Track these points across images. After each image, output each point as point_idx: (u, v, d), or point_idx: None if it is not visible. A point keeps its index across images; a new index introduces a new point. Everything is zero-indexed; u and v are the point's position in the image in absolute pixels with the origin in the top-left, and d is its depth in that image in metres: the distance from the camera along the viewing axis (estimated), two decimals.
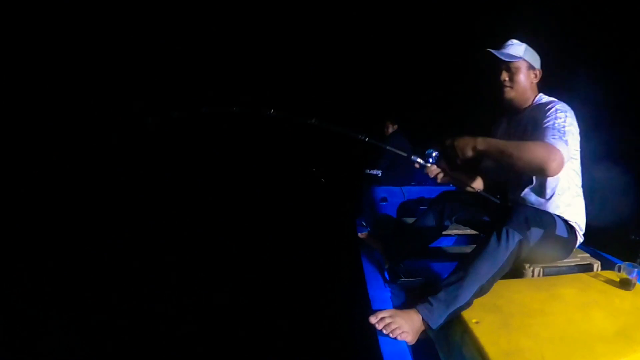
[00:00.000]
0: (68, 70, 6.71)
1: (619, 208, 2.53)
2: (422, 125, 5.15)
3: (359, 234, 2.56)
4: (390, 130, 4.64)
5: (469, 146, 1.60)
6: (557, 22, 3.98)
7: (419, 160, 1.82)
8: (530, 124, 1.72)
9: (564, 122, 1.57)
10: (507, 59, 1.73)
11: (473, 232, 2.52)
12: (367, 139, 1.85)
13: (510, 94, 1.79)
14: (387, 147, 1.89)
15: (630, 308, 1.44)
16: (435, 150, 1.80)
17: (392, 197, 3.73)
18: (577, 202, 1.77)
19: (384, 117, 4.71)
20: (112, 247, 3.83)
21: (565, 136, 1.52)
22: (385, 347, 1.34)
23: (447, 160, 1.75)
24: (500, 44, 1.81)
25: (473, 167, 1.91)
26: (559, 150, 1.46)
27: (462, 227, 2.43)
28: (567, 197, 1.73)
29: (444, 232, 2.16)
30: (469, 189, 1.90)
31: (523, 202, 1.82)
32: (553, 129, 1.54)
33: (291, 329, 2.41)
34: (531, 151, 1.48)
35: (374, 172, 4.35)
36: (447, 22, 6.12)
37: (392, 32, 7.00)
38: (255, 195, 6.05)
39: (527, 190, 1.81)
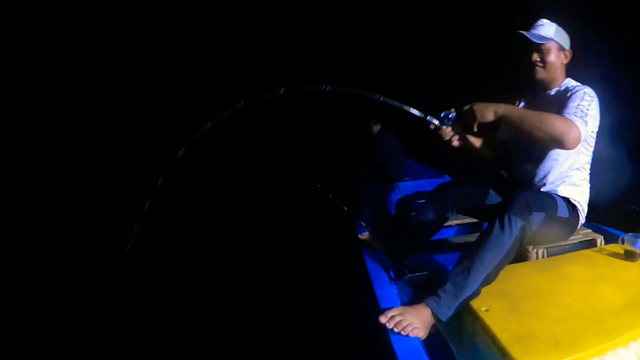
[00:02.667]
0: (68, 71, 6.70)
1: (618, 180, 2.53)
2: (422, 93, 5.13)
3: (359, 235, 2.55)
4: (376, 129, 4.62)
5: (489, 109, 1.61)
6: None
7: (435, 121, 1.81)
8: (558, 104, 1.70)
9: (589, 105, 1.59)
10: (538, 41, 1.71)
11: (473, 220, 2.52)
12: (382, 98, 1.85)
13: (541, 74, 1.78)
14: (405, 108, 1.83)
15: (637, 279, 1.44)
16: (452, 112, 1.79)
17: (389, 195, 3.72)
18: (583, 184, 1.79)
19: (367, 118, 4.69)
20: (112, 246, 3.79)
21: (586, 117, 1.54)
22: (397, 345, 1.33)
23: (463, 125, 1.74)
24: (530, 24, 1.78)
25: (487, 135, 1.89)
26: (577, 127, 1.48)
27: (462, 216, 2.42)
28: (575, 179, 1.75)
29: (444, 224, 2.16)
30: (481, 155, 1.89)
31: (530, 178, 1.82)
32: (576, 108, 1.56)
33: (292, 336, 2.41)
34: (550, 123, 1.50)
35: (368, 171, 4.35)
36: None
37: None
38: (249, 198, 6.04)
39: (537, 166, 1.81)
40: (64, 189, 5.70)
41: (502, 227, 1.42)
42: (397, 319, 1.39)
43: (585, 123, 1.52)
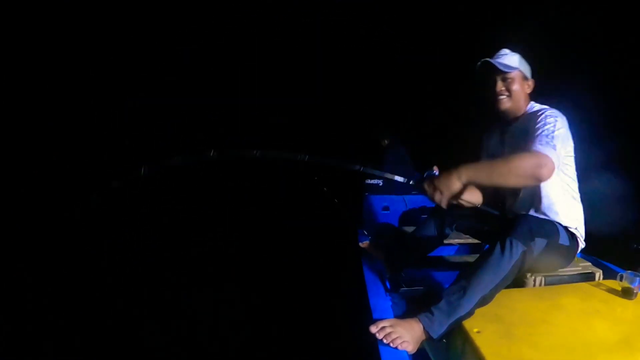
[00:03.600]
0: (68, 71, 6.78)
1: (620, 217, 2.53)
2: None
3: (360, 243, 2.56)
4: (386, 142, 4.65)
5: (452, 180, 1.48)
6: (546, 31, 4.03)
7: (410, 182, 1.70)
8: (523, 132, 1.70)
9: (553, 127, 1.57)
10: (505, 69, 1.72)
11: (475, 241, 2.51)
12: (361, 169, 1.73)
13: (506, 104, 1.78)
14: (386, 175, 1.77)
15: (632, 317, 1.43)
16: (435, 171, 1.70)
17: (394, 206, 3.72)
18: (574, 207, 1.78)
19: (377, 136, 4.75)
20: (111, 248, 3.86)
21: (553, 141, 1.51)
22: (385, 357, 1.33)
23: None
24: (493, 53, 1.80)
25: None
26: (547, 156, 1.45)
27: (464, 235, 2.42)
28: (563, 204, 1.74)
29: (445, 241, 2.16)
30: (469, 204, 1.75)
31: (520, 211, 1.82)
32: (541, 135, 1.54)
33: (291, 336, 2.41)
34: (520, 164, 1.47)
35: (375, 182, 4.36)
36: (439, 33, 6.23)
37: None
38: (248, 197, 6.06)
39: (522, 198, 1.82)
40: (64, 189, 5.71)
41: (502, 250, 1.42)
42: (388, 330, 1.39)
43: (554, 147, 1.49)
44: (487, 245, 1.57)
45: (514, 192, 1.85)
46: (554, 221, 1.71)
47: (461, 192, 1.50)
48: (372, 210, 3.74)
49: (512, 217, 1.65)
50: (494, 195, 1.95)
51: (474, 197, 1.84)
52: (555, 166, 1.47)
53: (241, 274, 3.33)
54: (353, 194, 4.23)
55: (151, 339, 2.39)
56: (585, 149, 1.72)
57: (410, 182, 1.67)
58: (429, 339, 1.39)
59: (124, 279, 3.18)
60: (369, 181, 4.37)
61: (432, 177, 1.55)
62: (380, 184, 4.34)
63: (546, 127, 1.57)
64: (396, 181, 1.70)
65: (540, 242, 1.51)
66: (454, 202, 1.55)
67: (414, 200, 3.72)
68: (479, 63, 1.78)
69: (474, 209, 1.78)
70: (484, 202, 1.87)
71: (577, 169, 1.79)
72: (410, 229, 2.54)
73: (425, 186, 1.56)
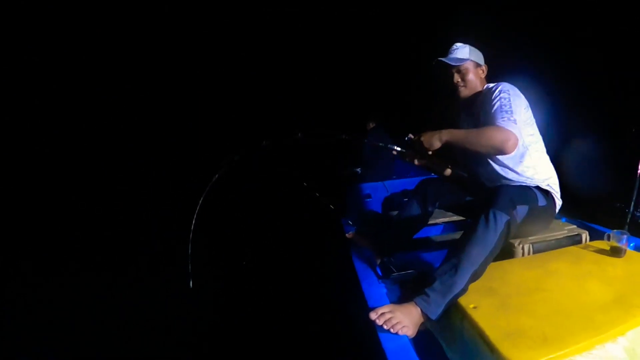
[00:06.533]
0: (68, 71, 6.67)
1: (602, 178, 2.58)
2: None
3: (347, 234, 2.54)
4: (370, 127, 4.69)
5: (434, 138, 1.76)
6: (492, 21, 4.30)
7: (396, 147, 1.95)
8: (482, 110, 1.84)
9: (508, 101, 1.71)
10: (455, 64, 1.90)
11: (459, 218, 2.53)
12: (345, 137, 2.01)
13: (464, 92, 1.95)
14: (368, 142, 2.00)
15: (623, 274, 1.45)
16: (408, 136, 1.90)
17: (376, 193, 3.72)
18: (541, 164, 1.85)
19: (364, 118, 4.78)
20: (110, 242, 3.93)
21: (513, 115, 1.66)
22: (386, 343, 1.32)
23: (420, 153, 1.88)
24: (447, 49, 1.97)
25: (441, 152, 1.98)
26: (510, 131, 1.62)
27: (448, 214, 2.44)
28: (529, 161, 1.81)
29: (430, 221, 2.17)
30: (441, 169, 1.97)
31: (493, 175, 1.89)
32: (501, 111, 1.69)
33: (290, 331, 2.39)
34: (488, 137, 1.66)
35: (354, 169, 4.36)
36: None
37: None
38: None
39: (490, 165, 1.88)
40: (64, 188, 5.72)
41: (487, 222, 1.44)
42: (387, 316, 1.39)
43: (515, 121, 1.65)
44: (470, 220, 1.59)
45: (480, 160, 1.92)
46: (530, 185, 1.78)
47: (440, 149, 1.79)
48: (354, 200, 3.73)
49: (491, 188, 1.72)
50: (464, 165, 2.01)
51: (444, 163, 1.98)
52: (518, 139, 1.64)
53: (229, 273, 3.32)
54: (335, 186, 4.22)
55: (144, 337, 2.39)
56: (561, 117, 1.76)
57: (396, 147, 1.94)
58: (427, 320, 1.39)
59: (122, 278, 3.20)
60: (348, 169, 4.37)
61: (413, 139, 1.85)
62: (359, 172, 4.34)
63: (502, 102, 1.72)
64: (376, 163, 1.87)
65: (522, 210, 1.60)
66: (429, 163, 1.91)
67: (394, 185, 3.73)
68: (434, 62, 1.94)
69: (446, 181, 2.01)
70: (454, 170, 1.97)
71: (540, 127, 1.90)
72: (394, 213, 2.54)
73: (410, 145, 1.85)
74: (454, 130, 1.79)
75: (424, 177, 2.37)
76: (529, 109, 1.84)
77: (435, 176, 2.37)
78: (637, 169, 1.98)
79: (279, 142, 1.93)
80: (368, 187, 3.85)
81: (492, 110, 1.72)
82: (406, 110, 6.28)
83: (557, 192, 1.85)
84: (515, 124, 1.64)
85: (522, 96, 1.81)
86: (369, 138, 4.49)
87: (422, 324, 1.41)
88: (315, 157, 5.56)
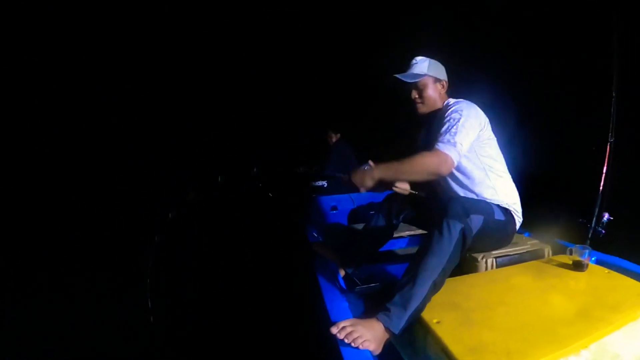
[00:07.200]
0: (68, 71, 6.50)
1: (565, 194, 2.63)
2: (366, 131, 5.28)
3: (312, 246, 2.49)
4: (334, 139, 4.69)
5: (366, 178, 1.70)
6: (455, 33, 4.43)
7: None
8: (436, 128, 1.80)
9: (456, 122, 1.69)
10: (412, 80, 1.86)
11: (423, 232, 2.52)
12: (300, 170, 1.92)
13: (422, 109, 1.92)
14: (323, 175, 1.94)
15: (586, 288, 1.47)
16: (366, 165, 1.81)
17: (342, 205, 3.70)
18: (501, 184, 1.83)
19: (327, 127, 4.78)
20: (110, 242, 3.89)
21: (455, 137, 1.65)
22: (348, 357, 1.27)
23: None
24: (407, 64, 1.93)
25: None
26: (445, 154, 1.63)
27: (412, 227, 2.43)
28: (489, 182, 1.80)
29: (395, 234, 2.15)
30: (402, 191, 1.93)
31: (451, 195, 1.85)
32: (445, 133, 1.68)
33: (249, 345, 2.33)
34: (421, 163, 1.65)
35: (319, 183, 4.33)
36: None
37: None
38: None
39: (449, 184, 1.88)
40: (64, 188, 5.67)
41: (441, 232, 1.42)
42: (349, 329, 1.34)
43: (454, 144, 1.64)
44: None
45: (441, 180, 1.90)
46: (486, 199, 1.77)
47: (383, 184, 1.74)
48: (320, 211, 3.69)
49: (445, 200, 1.67)
50: (426, 183, 1.99)
51: (404, 185, 1.94)
52: (455, 160, 1.65)
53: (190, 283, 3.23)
54: (300, 196, 4.18)
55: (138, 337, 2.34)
56: (524, 133, 1.77)
57: (343, 176, 1.88)
58: (392, 335, 1.35)
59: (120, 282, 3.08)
60: (314, 183, 4.33)
61: (343, 178, 1.83)
62: (325, 185, 4.31)
63: (450, 122, 1.70)
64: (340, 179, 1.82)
65: (476, 219, 1.56)
66: (389, 189, 1.86)
67: (361, 198, 3.71)
68: (391, 79, 1.89)
69: (409, 196, 1.94)
70: (415, 189, 1.95)
71: (502, 149, 1.89)
72: (359, 226, 2.51)
73: (351, 179, 1.76)
74: (385, 164, 1.73)
75: (391, 191, 2.35)
76: (489, 128, 1.82)
77: None
78: (599, 186, 2.03)
79: (234, 179, 1.87)
80: (334, 199, 3.82)
81: (440, 131, 1.71)
82: (373, 120, 6.36)
83: (517, 211, 1.83)
84: (454, 146, 1.64)
85: (481, 116, 1.79)
86: (333, 151, 4.51)
87: (388, 339, 1.37)
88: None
